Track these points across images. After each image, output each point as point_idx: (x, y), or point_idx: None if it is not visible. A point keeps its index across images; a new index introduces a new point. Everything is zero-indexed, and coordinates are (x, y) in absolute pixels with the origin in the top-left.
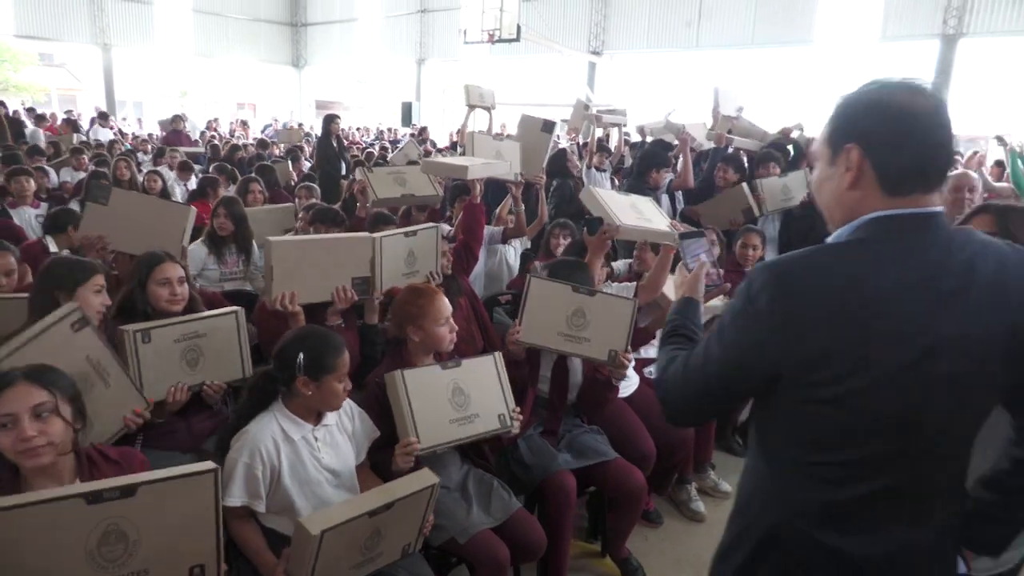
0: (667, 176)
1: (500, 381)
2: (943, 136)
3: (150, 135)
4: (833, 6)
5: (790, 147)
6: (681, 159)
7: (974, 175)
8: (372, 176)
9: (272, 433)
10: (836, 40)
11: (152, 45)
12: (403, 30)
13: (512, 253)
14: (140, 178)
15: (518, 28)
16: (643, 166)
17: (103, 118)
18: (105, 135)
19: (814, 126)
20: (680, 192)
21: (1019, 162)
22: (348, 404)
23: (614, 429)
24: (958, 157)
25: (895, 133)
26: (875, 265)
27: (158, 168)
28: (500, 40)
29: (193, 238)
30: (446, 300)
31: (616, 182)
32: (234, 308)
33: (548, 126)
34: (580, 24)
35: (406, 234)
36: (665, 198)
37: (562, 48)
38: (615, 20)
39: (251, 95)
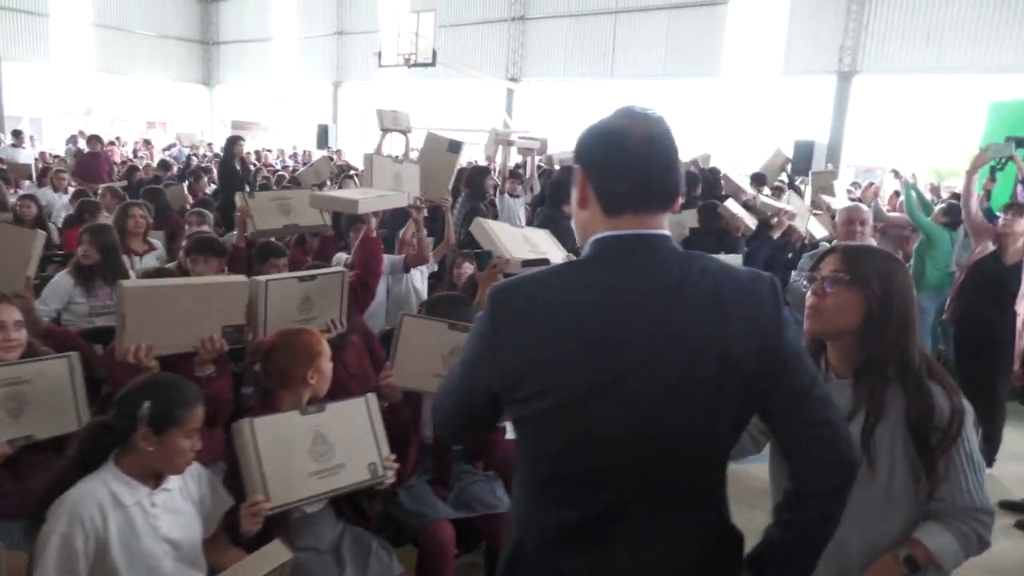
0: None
1: (372, 426)
2: (659, 162)
3: (56, 157)
4: (738, 41)
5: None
6: None
7: (864, 208)
8: (253, 203)
9: (99, 497)
10: (742, 73)
11: (48, 59)
12: (319, 51)
13: (419, 277)
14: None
15: (434, 53)
16: (555, 196)
17: (16, 136)
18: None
19: (722, 156)
20: None
21: (912, 193)
22: (196, 467)
23: (512, 473)
24: (852, 188)
25: (608, 157)
26: (585, 285)
27: (40, 191)
28: (416, 64)
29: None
30: (323, 342)
31: (529, 212)
32: (68, 353)
33: (454, 146)
34: (498, 51)
35: (301, 279)
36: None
37: (479, 74)
38: (533, 48)
39: (161, 114)
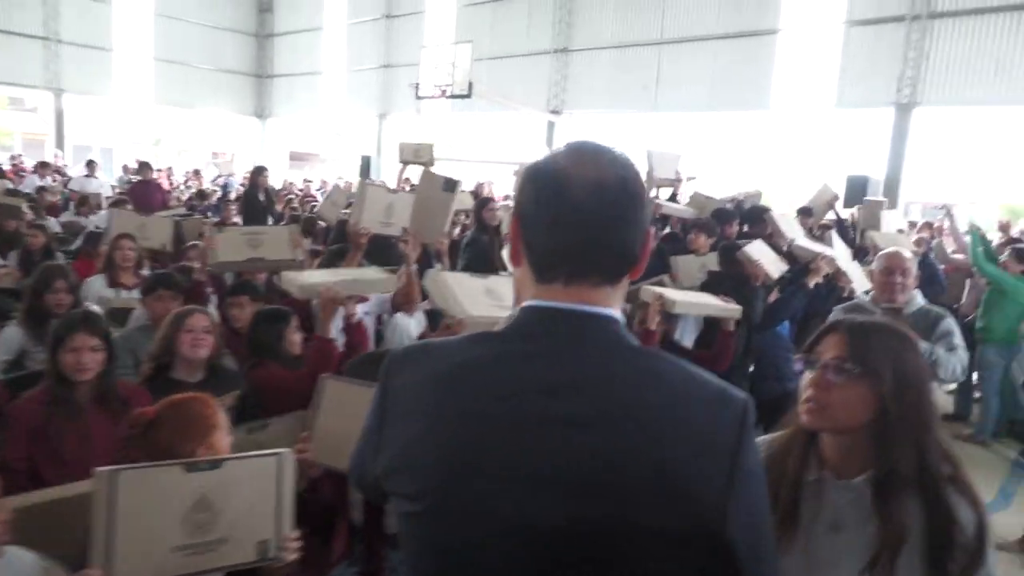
0: None
1: (278, 494)
2: (606, 217)
3: (112, 187)
4: (789, 72)
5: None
6: None
7: (906, 254)
8: (221, 236)
9: None
10: (792, 105)
11: (111, 92)
12: (367, 84)
13: (414, 325)
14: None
15: (470, 84)
16: None
17: (89, 166)
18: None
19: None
20: None
21: (978, 240)
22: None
23: None
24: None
25: (541, 206)
26: (487, 365)
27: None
28: (453, 96)
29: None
30: (220, 413)
31: None
32: None
33: (450, 185)
34: (540, 83)
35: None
36: None
37: (518, 106)
38: (575, 80)
39: (224, 145)
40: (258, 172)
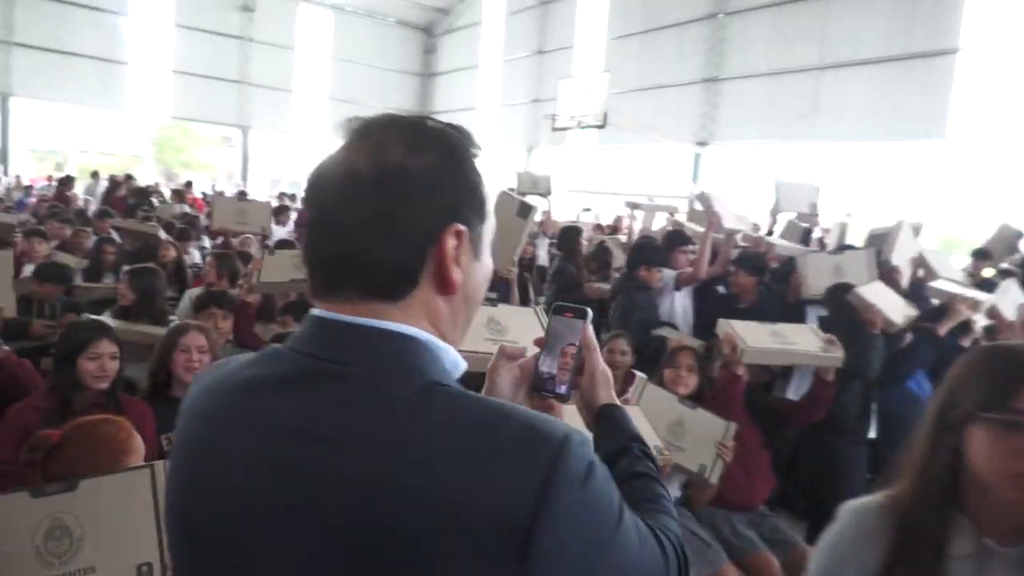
0: (660, 274)
1: (156, 508)
2: (354, 217)
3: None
4: (970, 97)
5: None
6: (700, 246)
7: None
8: (270, 258)
9: None
10: (974, 133)
11: (291, 129)
12: (516, 118)
13: None
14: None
15: (604, 115)
16: (632, 261)
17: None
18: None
19: (940, 225)
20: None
21: None
22: None
23: None
24: None
25: (304, 201)
26: (232, 392)
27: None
28: (587, 127)
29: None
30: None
31: None
32: None
33: (524, 210)
34: (689, 113)
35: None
36: (679, 297)
37: (661, 137)
38: (724, 110)
39: None
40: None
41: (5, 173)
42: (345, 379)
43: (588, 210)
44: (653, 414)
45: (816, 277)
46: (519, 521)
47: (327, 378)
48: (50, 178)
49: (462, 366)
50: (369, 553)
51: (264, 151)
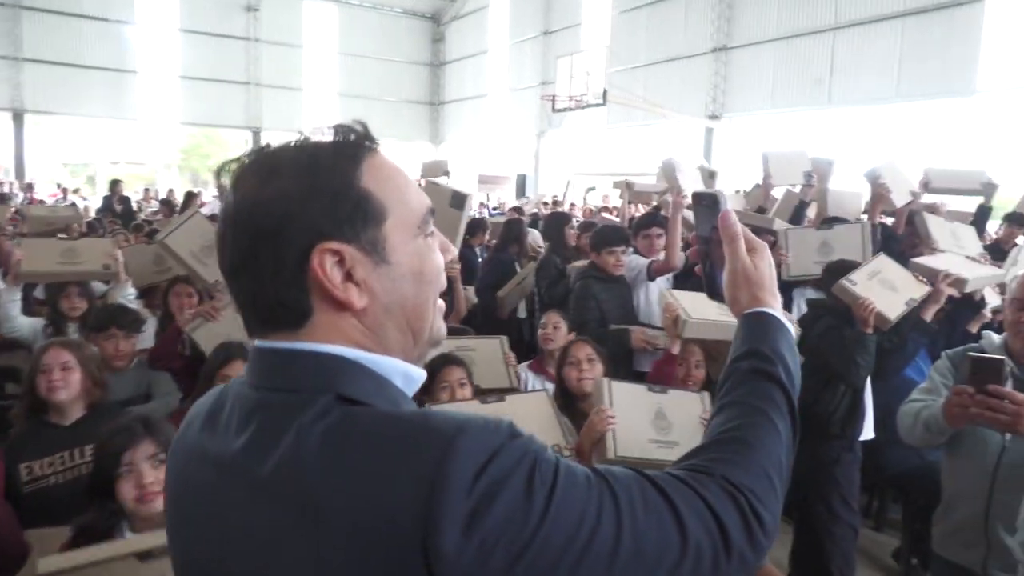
0: (621, 261)
1: None
2: (228, 256)
3: None
4: (999, 49)
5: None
6: (668, 231)
7: None
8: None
9: None
10: (1004, 89)
11: (302, 127)
12: (526, 103)
13: None
14: None
15: (604, 92)
16: (590, 246)
17: None
18: None
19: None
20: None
21: None
22: None
23: None
24: None
25: None
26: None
27: None
28: (587, 106)
29: None
30: None
31: None
32: None
33: (458, 200)
34: (698, 87)
35: None
36: (655, 288)
37: (669, 112)
38: (735, 80)
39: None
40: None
41: (21, 189)
42: (266, 407)
43: (593, 189)
44: (632, 416)
45: (800, 255)
46: (408, 528)
47: (252, 408)
48: (64, 191)
49: (416, 375)
50: None
51: None
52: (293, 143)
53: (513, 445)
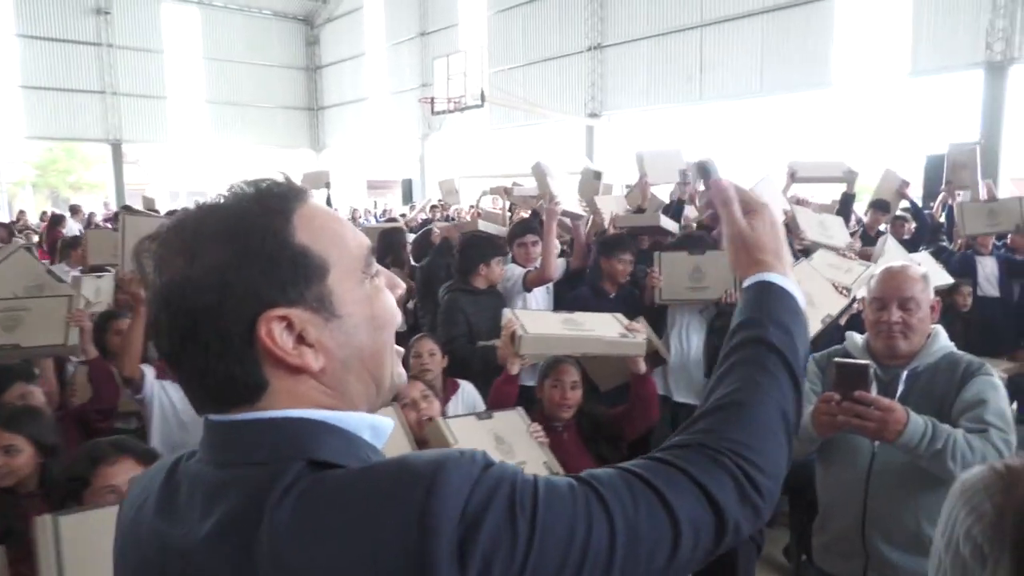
0: (491, 273)
1: None
2: (168, 335)
3: None
4: (851, 43)
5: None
6: (543, 239)
7: (915, 272)
8: None
9: None
10: (857, 80)
11: (168, 139)
12: (407, 106)
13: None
14: None
15: (482, 94)
16: (464, 263)
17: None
18: None
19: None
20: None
21: None
22: None
23: None
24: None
25: None
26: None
27: None
28: (466, 108)
29: None
30: None
31: None
32: None
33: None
34: (577, 86)
35: None
36: (533, 299)
37: (548, 112)
38: (612, 78)
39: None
40: None
41: None
42: (231, 485)
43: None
44: (476, 445)
45: (672, 279)
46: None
47: (214, 489)
48: None
49: (383, 426)
50: None
51: (162, 165)
52: (210, 205)
53: (488, 475)
